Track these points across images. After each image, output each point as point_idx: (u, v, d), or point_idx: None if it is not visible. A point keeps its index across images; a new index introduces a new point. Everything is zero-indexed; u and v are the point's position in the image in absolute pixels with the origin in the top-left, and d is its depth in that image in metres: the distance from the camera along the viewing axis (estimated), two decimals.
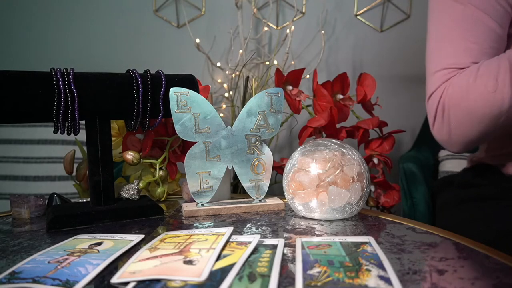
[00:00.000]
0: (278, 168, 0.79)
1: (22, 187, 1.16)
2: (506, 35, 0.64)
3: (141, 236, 0.47)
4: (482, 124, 0.60)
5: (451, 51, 0.64)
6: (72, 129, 0.55)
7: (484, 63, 0.59)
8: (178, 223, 0.55)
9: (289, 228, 0.51)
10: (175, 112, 0.57)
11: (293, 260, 0.39)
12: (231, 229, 0.48)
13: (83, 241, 0.46)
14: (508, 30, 0.64)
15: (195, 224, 0.54)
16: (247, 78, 1.32)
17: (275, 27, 1.48)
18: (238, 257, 0.39)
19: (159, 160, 0.66)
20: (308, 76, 1.39)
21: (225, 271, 0.36)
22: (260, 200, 0.62)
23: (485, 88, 0.57)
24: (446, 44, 0.64)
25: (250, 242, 0.43)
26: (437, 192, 0.86)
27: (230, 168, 0.60)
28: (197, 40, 1.35)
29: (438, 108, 0.65)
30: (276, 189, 1.29)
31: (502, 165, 0.71)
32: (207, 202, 0.60)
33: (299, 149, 0.58)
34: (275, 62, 1.37)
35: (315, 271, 0.35)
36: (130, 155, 0.63)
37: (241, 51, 1.36)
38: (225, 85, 1.41)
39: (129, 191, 0.61)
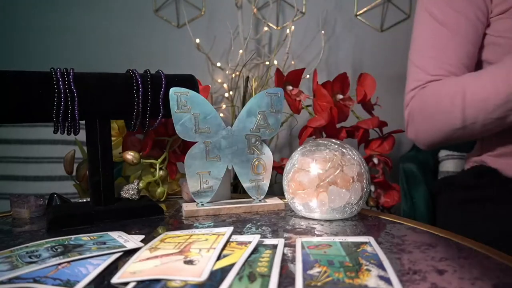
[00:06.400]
0: (278, 168, 0.79)
1: (22, 187, 1.15)
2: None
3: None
4: (441, 133, 0.68)
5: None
6: (72, 129, 0.55)
7: (447, 83, 0.66)
8: (178, 223, 0.55)
9: (289, 228, 0.51)
10: (175, 112, 0.57)
11: (293, 260, 0.39)
12: (231, 229, 0.48)
13: None
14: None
15: (195, 224, 0.54)
16: (247, 78, 1.32)
17: (275, 27, 1.47)
18: (238, 257, 0.39)
19: (159, 160, 0.66)
20: (308, 76, 1.38)
21: (225, 271, 0.36)
22: (260, 200, 0.62)
23: (443, 107, 0.66)
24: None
25: (250, 242, 0.43)
26: (437, 192, 0.86)
27: (230, 168, 0.60)
28: (197, 40, 1.35)
29: (405, 113, 0.74)
30: (276, 189, 1.29)
31: (502, 167, 0.71)
32: (207, 202, 0.60)
33: (299, 149, 0.58)
34: (275, 62, 1.36)
35: (315, 271, 0.35)
36: (130, 155, 0.63)
37: (241, 51, 1.35)
38: (225, 85, 1.41)
39: (129, 191, 0.61)
